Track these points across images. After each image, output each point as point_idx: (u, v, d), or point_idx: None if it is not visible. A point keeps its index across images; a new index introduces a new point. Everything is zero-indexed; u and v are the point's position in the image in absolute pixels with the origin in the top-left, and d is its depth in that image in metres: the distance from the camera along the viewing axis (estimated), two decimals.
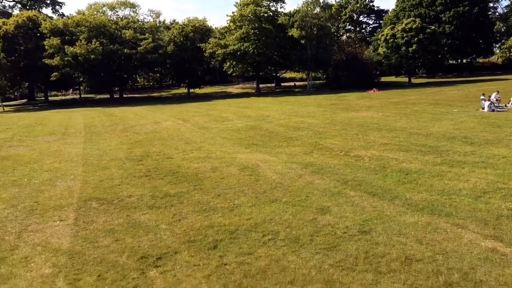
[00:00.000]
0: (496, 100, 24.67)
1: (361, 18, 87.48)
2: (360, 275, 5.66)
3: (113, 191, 10.63)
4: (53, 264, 6.52)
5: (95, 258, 6.67)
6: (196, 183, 10.99)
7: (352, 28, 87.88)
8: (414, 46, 53.26)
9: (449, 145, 14.10)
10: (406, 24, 55.07)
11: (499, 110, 22.99)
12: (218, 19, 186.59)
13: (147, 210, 9.04)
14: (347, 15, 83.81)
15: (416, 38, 53.34)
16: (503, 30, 74.92)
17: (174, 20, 77.98)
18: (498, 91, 26.10)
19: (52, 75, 51.48)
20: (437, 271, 5.70)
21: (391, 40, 55.81)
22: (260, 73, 62.71)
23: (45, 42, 51.54)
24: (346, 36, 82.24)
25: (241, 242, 7.02)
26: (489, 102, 23.25)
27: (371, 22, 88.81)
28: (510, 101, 24.47)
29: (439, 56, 58.51)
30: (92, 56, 49.98)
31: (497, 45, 71.37)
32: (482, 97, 24.67)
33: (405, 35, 54.32)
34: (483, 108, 23.37)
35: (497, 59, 69.59)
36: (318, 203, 8.81)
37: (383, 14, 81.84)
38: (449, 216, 7.71)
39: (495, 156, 12.17)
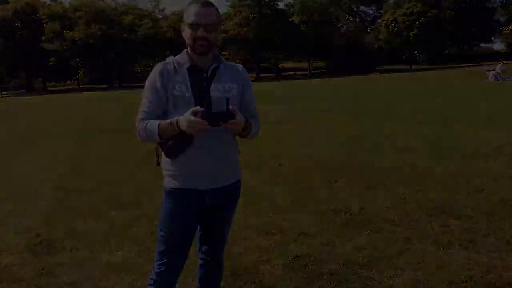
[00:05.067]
0: (502, 71, 24.36)
1: (361, 7, 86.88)
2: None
3: (118, 125, 10.21)
4: (52, 155, 6.16)
5: (99, 154, 6.31)
6: None
7: (352, 19, 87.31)
8: (415, 30, 52.79)
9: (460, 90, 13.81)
10: (407, 9, 54.59)
11: (504, 79, 22.68)
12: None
13: None
14: (347, 5, 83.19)
15: (417, 22, 52.85)
16: (502, 20, 74.44)
17: (174, 12, 77.18)
18: (503, 63, 25.82)
19: (50, 59, 50.84)
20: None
21: (392, 25, 55.31)
22: (260, 62, 62.11)
23: (45, 26, 50.95)
24: (346, 26, 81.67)
25: None
26: (494, 71, 22.97)
27: (371, 12, 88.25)
28: None
29: (440, 42, 58.01)
30: (91, 41, 49.40)
31: (497, 35, 70.92)
32: (487, 67, 24.41)
33: (406, 19, 53.84)
34: (487, 78, 23.08)
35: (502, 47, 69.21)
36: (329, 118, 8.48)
37: (383, 3, 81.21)
38: None
39: (510, 92, 11.86)
